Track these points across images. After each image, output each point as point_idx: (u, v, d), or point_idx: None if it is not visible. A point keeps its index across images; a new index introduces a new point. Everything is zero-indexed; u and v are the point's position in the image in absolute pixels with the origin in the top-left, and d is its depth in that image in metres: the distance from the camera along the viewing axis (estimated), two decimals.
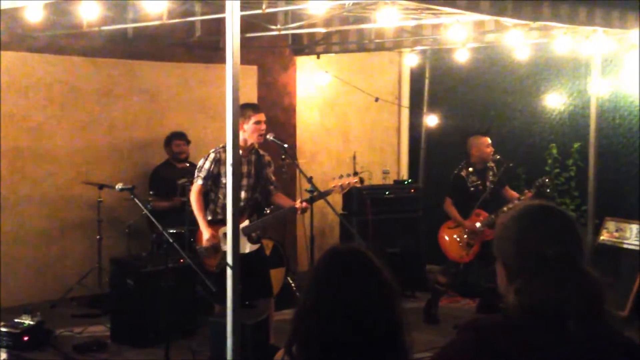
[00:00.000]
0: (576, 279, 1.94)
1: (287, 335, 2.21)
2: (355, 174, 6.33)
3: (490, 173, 7.45)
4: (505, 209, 6.93)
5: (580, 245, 2.03)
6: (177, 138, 8.31)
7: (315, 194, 5.97)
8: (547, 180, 7.42)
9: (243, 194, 6.02)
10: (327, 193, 5.99)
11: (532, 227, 2.04)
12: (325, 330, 2.11)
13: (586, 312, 1.90)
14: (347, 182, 5.97)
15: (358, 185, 6.17)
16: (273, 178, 6.33)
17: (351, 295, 2.12)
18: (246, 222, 6.03)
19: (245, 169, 6.05)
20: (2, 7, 5.93)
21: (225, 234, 5.81)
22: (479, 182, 7.41)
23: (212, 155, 6.01)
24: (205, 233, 6.01)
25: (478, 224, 7.24)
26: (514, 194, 7.48)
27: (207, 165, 5.99)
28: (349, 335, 2.09)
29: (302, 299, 2.20)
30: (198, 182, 6.03)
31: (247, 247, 6.00)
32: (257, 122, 6.03)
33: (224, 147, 5.91)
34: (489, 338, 1.95)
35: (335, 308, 2.11)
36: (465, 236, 7.33)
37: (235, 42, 4.20)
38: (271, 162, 6.34)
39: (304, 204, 5.97)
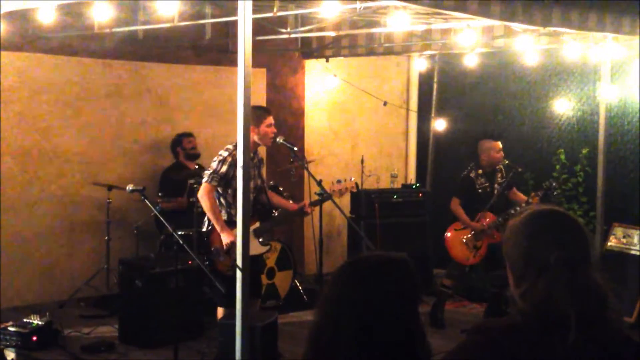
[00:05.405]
0: (578, 285, 1.94)
1: (304, 344, 2.16)
2: (351, 179, 6.62)
3: (499, 175, 7.46)
4: (512, 211, 6.96)
5: (587, 251, 2.02)
6: (186, 136, 8.39)
7: (323, 195, 6.23)
8: (554, 184, 7.47)
9: (251, 197, 5.96)
10: (328, 198, 6.17)
11: (538, 232, 2.04)
12: (345, 340, 2.06)
13: (587, 317, 1.91)
14: (344, 187, 6.38)
15: (354, 190, 6.87)
16: (264, 177, 6.41)
17: (375, 304, 2.07)
18: (257, 225, 6.03)
19: (253, 172, 5.97)
20: (3, 11, 5.91)
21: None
22: (487, 184, 7.42)
23: (228, 159, 5.84)
24: (228, 235, 5.79)
25: (485, 225, 7.26)
26: (522, 196, 7.49)
27: (224, 168, 5.84)
28: (370, 344, 2.05)
29: (321, 310, 2.14)
30: (212, 183, 5.84)
31: (257, 249, 5.98)
32: (269, 125, 6.03)
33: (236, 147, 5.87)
34: (498, 341, 1.96)
35: (357, 317, 2.05)
36: (472, 238, 7.34)
37: (247, 45, 4.23)
38: (263, 160, 6.39)
39: (310, 208, 6.24)
